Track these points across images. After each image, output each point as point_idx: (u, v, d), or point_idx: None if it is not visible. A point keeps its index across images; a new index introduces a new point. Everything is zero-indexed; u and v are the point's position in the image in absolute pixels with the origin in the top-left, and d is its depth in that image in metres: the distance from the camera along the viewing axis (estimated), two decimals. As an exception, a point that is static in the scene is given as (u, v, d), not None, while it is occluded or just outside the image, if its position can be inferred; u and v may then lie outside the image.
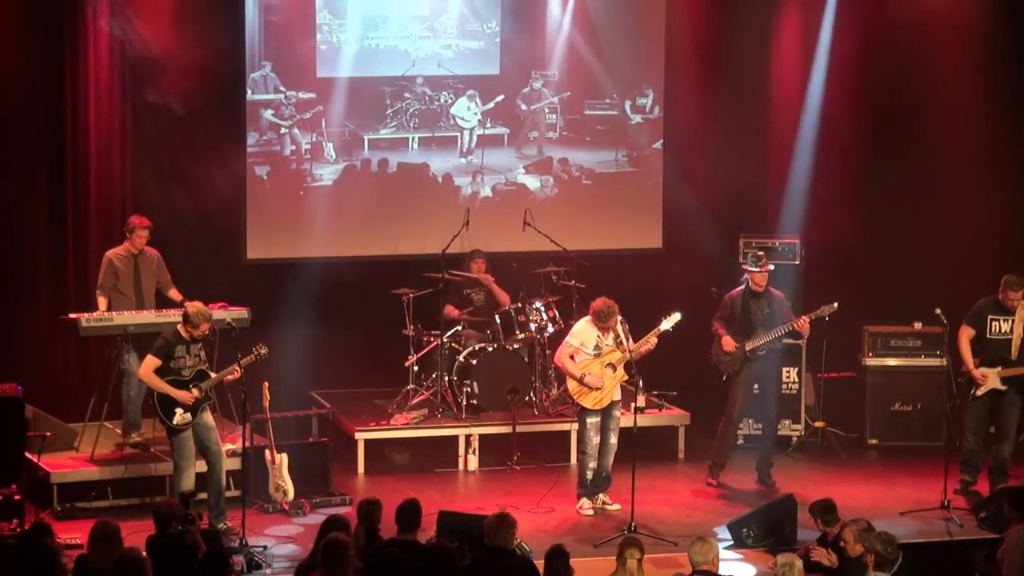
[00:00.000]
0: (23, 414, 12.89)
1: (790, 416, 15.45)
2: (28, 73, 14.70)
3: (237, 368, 12.42)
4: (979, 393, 13.41)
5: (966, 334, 13.52)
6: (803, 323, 13.85)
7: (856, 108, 16.43)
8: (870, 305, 16.16)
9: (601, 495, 13.28)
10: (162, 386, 12.32)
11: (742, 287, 14.02)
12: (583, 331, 13.18)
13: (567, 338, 13.30)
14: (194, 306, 12.44)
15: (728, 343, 13.88)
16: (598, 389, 13.02)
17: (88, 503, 13.05)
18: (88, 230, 14.95)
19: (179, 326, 12.41)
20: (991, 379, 13.42)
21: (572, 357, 13.13)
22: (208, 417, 12.59)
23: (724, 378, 14.07)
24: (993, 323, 13.49)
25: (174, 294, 13.90)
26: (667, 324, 13.17)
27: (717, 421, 14.18)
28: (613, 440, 13.18)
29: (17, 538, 10.87)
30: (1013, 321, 13.44)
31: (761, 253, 14.12)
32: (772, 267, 14.04)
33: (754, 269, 13.90)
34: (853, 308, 15.98)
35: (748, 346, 13.88)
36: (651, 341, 13.13)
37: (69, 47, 14.84)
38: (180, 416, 12.38)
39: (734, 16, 16.48)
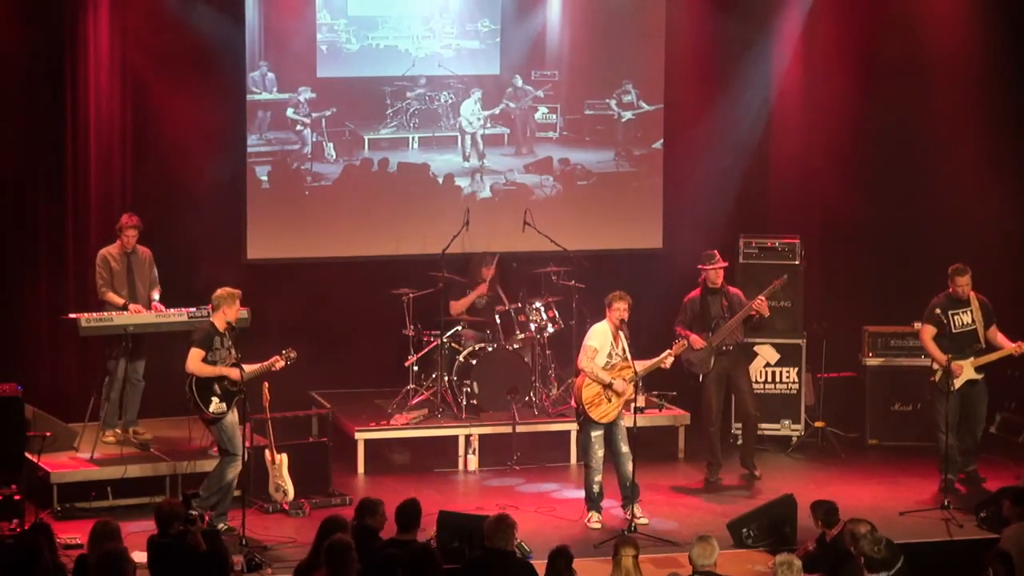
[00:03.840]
0: (23, 414, 12.90)
1: (790, 416, 15.46)
2: (28, 73, 14.69)
3: (278, 360, 12.64)
4: (956, 386, 13.55)
5: (929, 333, 13.77)
6: (760, 302, 14.00)
7: (858, 108, 16.40)
8: (870, 305, 16.17)
9: (632, 507, 12.93)
10: (213, 371, 12.43)
11: (699, 288, 14.16)
12: (600, 334, 12.94)
13: (586, 342, 12.96)
14: (221, 290, 12.60)
15: (697, 341, 13.99)
16: (619, 396, 12.85)
17: (88, 503, 13.05)
18: (88, 230, 14.93)
19: (212, 317, 12.56)
20: (966, 370, 13.66)
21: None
22: (235, 415, 12.61)
23: (700, 379, 14.20)
24: (954, 317, 13.78)
25: (155, 292, 13.96)
26: (681, 349, 13.34)
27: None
28: (625, 448, 12.88)
29: (16, 538, 10.86)
30: (971, 311, 13.75)
31: (714, 251, 14.20)
32: (726, 264, 14.20)
33: (708, 265, 14.06)
34: (853, 308, 16.04)
35: (714, 341, 14.01)
36: (666, 361, 13.13)
37: (69, 47, 14.82)
38: (216, 405, 12.45)
39: (735, 14, 16.47)
